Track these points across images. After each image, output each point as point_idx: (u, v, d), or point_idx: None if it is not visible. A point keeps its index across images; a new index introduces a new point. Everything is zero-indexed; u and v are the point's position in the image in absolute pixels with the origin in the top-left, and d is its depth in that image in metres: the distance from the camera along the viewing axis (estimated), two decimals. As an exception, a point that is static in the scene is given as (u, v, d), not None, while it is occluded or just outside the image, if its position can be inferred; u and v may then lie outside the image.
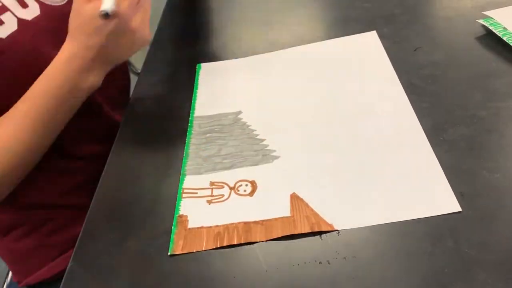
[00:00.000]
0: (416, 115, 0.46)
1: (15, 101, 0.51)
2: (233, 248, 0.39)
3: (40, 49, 0.53)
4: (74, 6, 0.48)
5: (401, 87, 0.50)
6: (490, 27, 0.52)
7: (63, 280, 0.41)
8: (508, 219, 0.36)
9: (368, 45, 0.58)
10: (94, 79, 0.50)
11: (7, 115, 0.50)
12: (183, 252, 0.39)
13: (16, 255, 0.68)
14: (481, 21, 0.53)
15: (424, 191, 0.39)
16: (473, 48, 0.53)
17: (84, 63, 0.49)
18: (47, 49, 0.53)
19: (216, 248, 0.39)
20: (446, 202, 0.38)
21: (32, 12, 0.53)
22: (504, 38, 0.50)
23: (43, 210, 0.64)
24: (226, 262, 0.38)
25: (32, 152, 0.51)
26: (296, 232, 0.38)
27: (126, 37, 0.49)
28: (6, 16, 0.51)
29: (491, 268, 0.33)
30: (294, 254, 0.37)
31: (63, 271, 0.54)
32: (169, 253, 0.39)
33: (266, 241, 0.39)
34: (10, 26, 0.51)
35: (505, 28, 0.51)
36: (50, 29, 0.54)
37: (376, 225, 0.37)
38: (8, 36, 0.51)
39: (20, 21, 0.52)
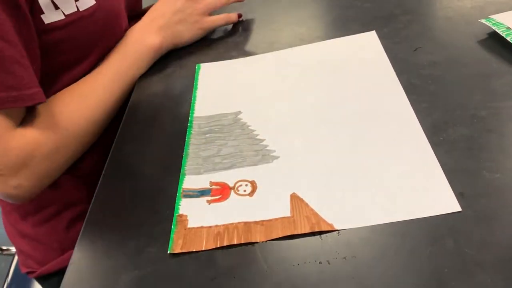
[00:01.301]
0: (416, 115, 0.46)
1: (94, 59, 0.62)
2: (233, 248, 0.39)
3: (119, 11, 0.64)
4: None
5: (401, 87, 0.50)
6: (493, 27, 0.52)
7: (63, 279, 0.40)
8: (508, 219, 0.36)
9: (367, 45, 0.57)
10: (154, 40, 0.63)
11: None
12: (182, 251, 0.39)
13: (35, 240, 0.69)
14: (483, 21, 0.53)
15: (424, 191, 0.39)
16: (473, 48, 0.53)
17: (152, 25, 0.64)
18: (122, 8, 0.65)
19: (216, 248, 0.39)
20: (446, 202, 0.38)
21: None
22: (508, 38, 0.50)
23: (69, 193, 0.66)
24: (225, 262, 0.38)
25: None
26: (296, 233, 0.38)
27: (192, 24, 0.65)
28: None
29: (491, 268, 0.33)
30: (294, 254, 0.37)
31: None
32: (168, 252, 0.39)
33: (266, 241, 0.39)
34: None
35: (508, 28, 0.51)
36: None
37: (376, 225, 0.37)
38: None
39: None
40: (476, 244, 0.34)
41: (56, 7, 0.54)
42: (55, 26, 0.54)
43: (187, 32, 0.66)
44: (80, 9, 0.56)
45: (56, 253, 0.69)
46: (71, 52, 0.59)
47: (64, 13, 0.55)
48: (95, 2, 0.57)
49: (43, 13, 0.53)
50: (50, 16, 0.54)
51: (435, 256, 0.34)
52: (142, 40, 0.63)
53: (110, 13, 0.61)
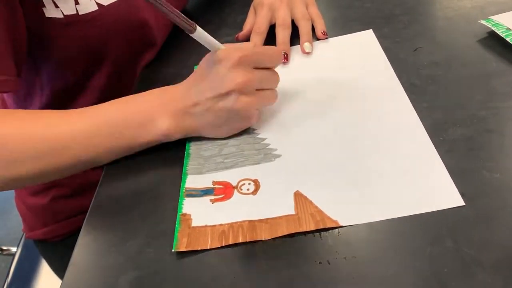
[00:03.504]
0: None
1: (94, 61, 0.61)
2: (233, 248, 0.39)
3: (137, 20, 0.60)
4: (226, 54, 0.47)
5: (399, 82, 0.50)
6: (493, 28, 0.52)
7: (63, 279, 0.41)
8: (508, 219, 0.36)
9: (365, 44, 0.58)
10: (163, 125, 0.47)
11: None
12: (187, 250, 0.39)
13: (28, 208, 0.78)
14: (483, 22, 0.53)
15: (427, 186, 0.39)
16: (473, 48, 0.53)
17: (172, 107, 0.47)
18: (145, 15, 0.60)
19: (215, 248, 0.39)
20: (450, 197, 0.38)
21: None
22: (508, 39, 0.50)
23: None
24: (226, 261, 0.38)
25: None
26: (301, 230, 0.38)
27: (230, 121, 0.47)
28: None
29: (491, 268, 0.33)
30: (294, 254, 0.37)
31: (62, 235, 0.77)
32: (172, 250, 0.39)
33: (268, 240, 0.39)
34: None
35: (508, 29, 0.51)
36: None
37: (376, 225, 0.38)
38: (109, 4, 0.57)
39: None
40: (476, 244, 0.35)
41: (56, 6, 0.54)
42: (55, 22, 0.55)
43: (221, 130, 0.48)
44: (80, 13, 0.55)
45: (40, 223, 0.77)
46: (70, 50, 0.59)
47: (63, 13, 0.55)
48: (97, 8, 0.56)
49: (44, 6, 0.54)
50: (51, 12, 0.54)
51: (435, 256, 0.34)
52: (152, 117, 0.47)
53: (116, 22, 0.58)
